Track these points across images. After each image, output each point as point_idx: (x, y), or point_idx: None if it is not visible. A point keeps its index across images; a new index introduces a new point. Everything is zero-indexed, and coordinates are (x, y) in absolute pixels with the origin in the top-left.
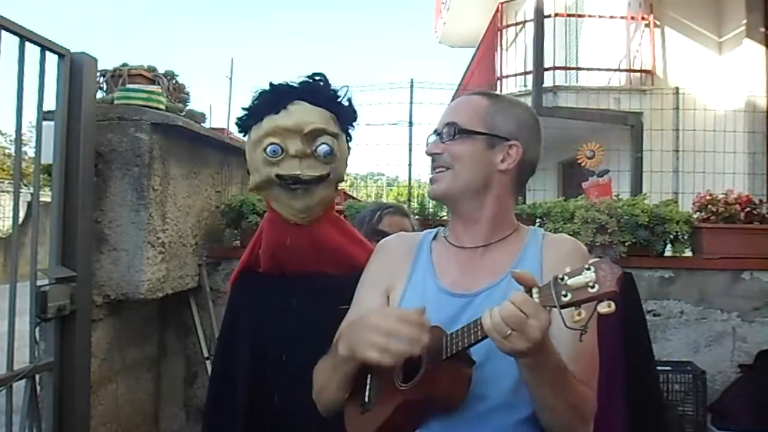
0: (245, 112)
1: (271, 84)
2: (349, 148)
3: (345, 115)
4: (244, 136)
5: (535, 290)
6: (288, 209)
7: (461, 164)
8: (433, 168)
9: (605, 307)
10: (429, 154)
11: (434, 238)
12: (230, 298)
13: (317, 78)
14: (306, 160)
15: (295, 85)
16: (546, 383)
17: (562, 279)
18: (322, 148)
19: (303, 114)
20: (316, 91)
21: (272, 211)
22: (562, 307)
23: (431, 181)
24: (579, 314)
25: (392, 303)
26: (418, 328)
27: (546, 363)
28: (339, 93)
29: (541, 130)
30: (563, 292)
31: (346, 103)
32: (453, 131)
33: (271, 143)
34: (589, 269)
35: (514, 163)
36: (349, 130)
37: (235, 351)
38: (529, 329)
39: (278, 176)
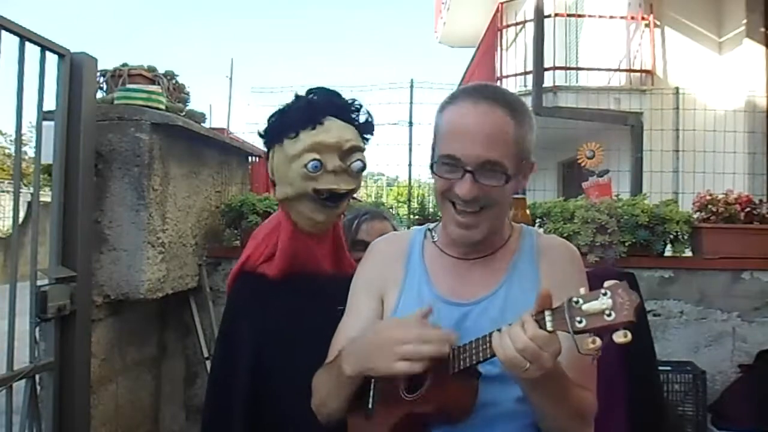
0: (277, 123)
1: (304, 98)
2: None
3: (366, 131)
4: (269, 146)
5: (548, 312)
6: (309, 221)
7: (501, 203)
8: (463, 210)
9: (621, 337)
10: (467, 200)
11: (425, 237)
12: (229, 299)
13: (338, 95)
14: (341, 174)
15: (327, 100)
16: (547, 394)
17: (577, 302)
18: (357, 165)
19: (341, 131)
20: (344, 107)
21: (289, 222)
22: (576, 332)
23: (461, 225)
24: (593, 342)
25: (387, 309)
26: (440, 329)
27: (547, 377)
28: (360, 109)
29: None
30: (578, 318)
31: (363, 119)
32: (498, 177)
33: (313, 159)
34: (605, 294)
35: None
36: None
37: (234, 352)
38: (544, 361)
39: (315, 190)
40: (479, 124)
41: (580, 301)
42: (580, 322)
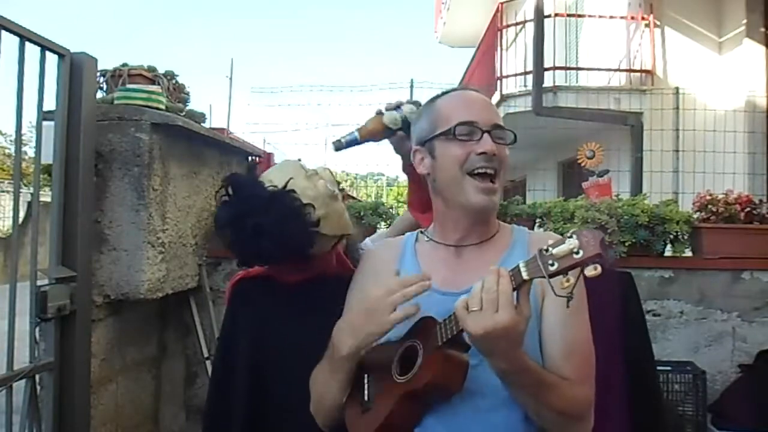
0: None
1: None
2: None
3: None
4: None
5: (522, 264)
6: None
7: (505, 171)
8: (486, 173)
9: (591, 270)
10: (490, 157)
11: (416, 240)
12: (229, 302)
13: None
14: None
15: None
16: (522, 386)
17: (547, 250)
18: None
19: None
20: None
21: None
22: (550, 276)
23: (487, 191)
24: (567, 281)
25: None
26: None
27: (523, 379)
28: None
29: None
30: (549, 262)
31: None
32: (506, 138)
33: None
34: (571, 237)
35: None
36: None
37: (235, 354)
38: (500, 312)
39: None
40: (481, 99)
41: (550, 249)
42: (552, 265)
